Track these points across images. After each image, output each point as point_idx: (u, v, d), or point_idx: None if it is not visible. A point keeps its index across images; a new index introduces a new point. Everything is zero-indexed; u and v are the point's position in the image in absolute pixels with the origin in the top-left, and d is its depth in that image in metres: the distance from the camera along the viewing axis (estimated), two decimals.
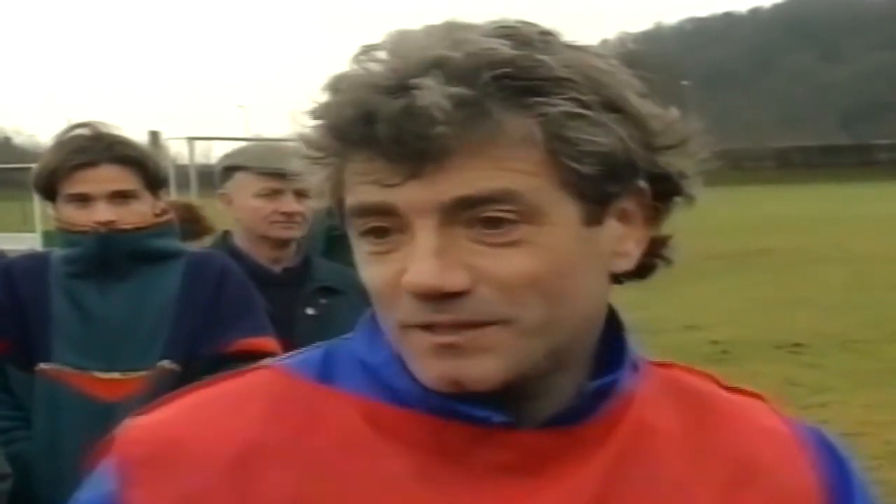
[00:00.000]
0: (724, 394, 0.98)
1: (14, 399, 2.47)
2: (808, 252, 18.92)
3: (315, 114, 0.84)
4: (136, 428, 0.89)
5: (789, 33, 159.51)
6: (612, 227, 0.86)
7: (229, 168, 3.00)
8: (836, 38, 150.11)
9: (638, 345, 0.92)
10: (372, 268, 0.84)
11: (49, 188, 2.51)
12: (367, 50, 0.84)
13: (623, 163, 0.83)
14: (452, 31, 0.82)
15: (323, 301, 2.96)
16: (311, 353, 0.94)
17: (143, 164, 2.50)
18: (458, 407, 0.84)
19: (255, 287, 2.65)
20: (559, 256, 0.82)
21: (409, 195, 0.80)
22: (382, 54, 0.83)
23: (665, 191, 0.88)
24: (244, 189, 2.94)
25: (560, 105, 0.80)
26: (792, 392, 8.05)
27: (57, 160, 2.47)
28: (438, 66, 0.79)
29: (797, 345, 10.29)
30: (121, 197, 2.47)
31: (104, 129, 2.51)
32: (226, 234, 3.12)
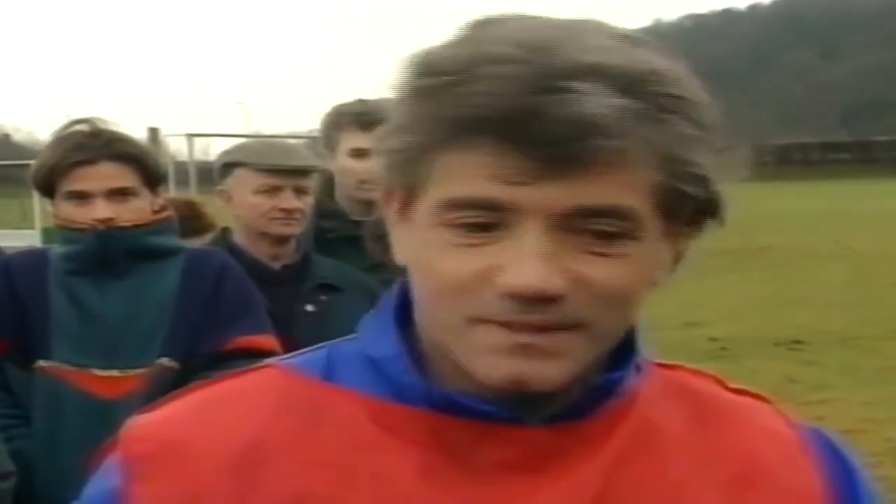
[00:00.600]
0: (729, 395, 0.98)
1: (13, 397, 2.47)
2: (807, 249, 18.92)
3: (448, 92, 0.79)
4: (141, 425, 0.90)
5: (788, 30, 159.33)
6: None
7: (228, 164, 2.98)
8: (835, 36, 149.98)
9: (646, 344, 0.92)
10: (456, 258, 0.81)
11: (48, 185, 2.51)
12: (485, 25, 0.82)
13: (713, 188, 0.84)
14: (593, 33, 0.81)
15: (323, 298, 2.95)
16: (314, 352, 0.94)
17: (142, 161, 2.49)
18: (464, 402, 0.84)
19: (254, 284, 2.65)
20: (646, 271, 0.84)
21: (531, 195, 0.79)
22: (510, 41, 0.79)
23: (704, 211, 0.88)
24: (243, 185, 2.93)
25: (684, 125, 0.81)
26: (791, 389, 8.04)
27: (55, 157, 2.47)
28: (597, 72, 0.78)
29: (797, 342, 10.29)
30: (119, 194, 2.46)
31: (103, 126, 2.51)
32: (225, 231, 3.11)
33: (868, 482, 0.96)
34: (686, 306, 10.74)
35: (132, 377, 2.41)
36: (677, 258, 0.90)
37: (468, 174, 0.80)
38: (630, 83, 0.79)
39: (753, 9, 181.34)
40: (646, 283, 0.85)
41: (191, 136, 21.41)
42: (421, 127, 0.81)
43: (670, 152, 0.81)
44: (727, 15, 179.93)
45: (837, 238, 20.84)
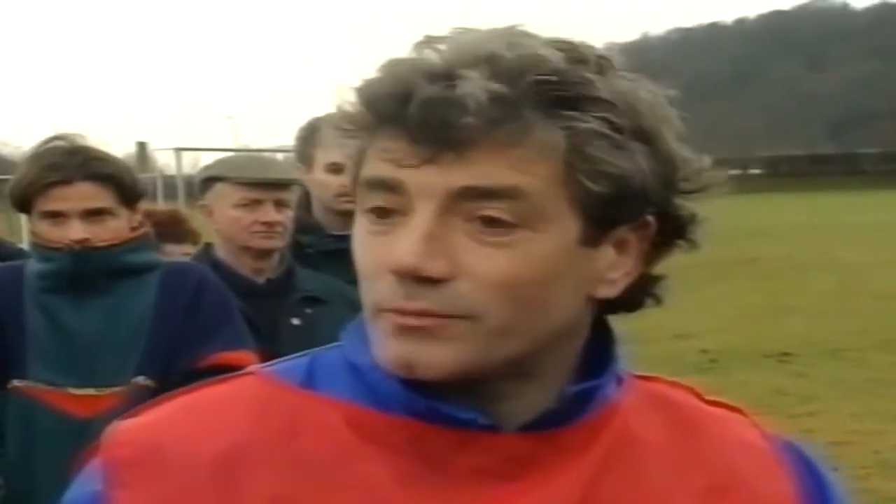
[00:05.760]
0: (705, 407, 0.99)
1: None
2: (795, 261, 18.96)
3: (357, 88, 0.86)
4: (122, 431, 0.91)
5: (775, 43, 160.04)
6: (606, 252, 0.87)
7: (209, 179, 2.98)
8: (821, 48, 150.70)
9: (626, 357, 0.92)
10: (366, 247, 0.86)
11: (24, 203, 2.48)
12: (429, 41, 0.86)
13: (635, 193, 0.84)
14: (513, 34, 0.85)
15: (308, 311, 2.94)
16: (295, 360, 0.95)
17: (119, 181, 2.46)
18: (441, 408, 0.85)
19: (234, 298, 2.63)
20: (543, 267, 0.83)
21: (421, 177, 0.82)
22: (441, 45, 0.85)
23: (671, 231, 0.90)
24: (224, 199, 2.92)
25: (590, 122, 0.82)
26: (780, 401, 8.06)
27: (31, 176, 2.44)
28: (487, 62, 0.82)
29: (785, 354, 10.30)
30: (96, 214, 2.43)
31: (81, 143, 2.47)
32: (208, 247, 3.10)
33: (841, 495, 0.98)
34: (675, 318, 10.74)
35: (108, 396, 2.38)
36: (645, 280, 0.91)
37: (375, 157, 0.85)
38: (517, 74, 0.81)
39: (740, 22, 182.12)
40: (550, 281, 0.84)
41: (179, 150, 21.41)
42: (354, 119, 0.87)
43: (569, 145, 0.82)
44: (713, 28, 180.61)
45: (825, 249, 20.89)
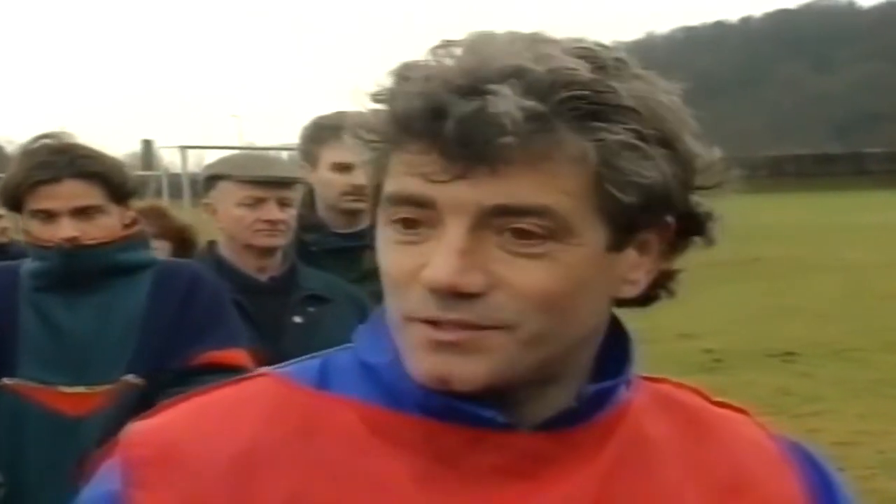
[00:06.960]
0: (712, 407, 1.00)
1: None
2: (801, 261, 18.93)
3: (378, 97, 0.86)
4: (139, 431, 0.91)
5: (780, 42, 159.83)
6: (629, 255, 0.88)
7: (212, 177, 2.98)
8: (827, 48, 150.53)
9: (639, 357, 0.93)
10: (394, 256, 0.86)
11: (14, 202, 2.47)
12: (446, 45, 0.85)
13: (660, 198, 0.85)
14: (535, 43, 0.84)
15: (311, 309, 2.93)
16: (308, 361, 0.95)
17: (108, 178, 2.45)
18: (460, 406, 0.85)
19: (229, 296, 2.62)
20: (575, 276, 0.84)
21: (453, 193, 0.82)
22: (459, 52, 0.84)
23: (688, 229, 0.91)
24: (227, 198, 2.92)
25: (619, 134, 0.82)
26: (785, 401, 8.06)
27: (20, 175, 2.43)
28: (517, 76, 0.81)
29: (790, 354, 10.30)
30: (85, 212, 2.42)
31: (69, 141, 2.46)
32: (211, 245, 3.09)
33: (846, 492, 0.99)
34: (680, 318, 10.73)
35: (99, 394, 2.37)
36: (661, 276, 0.91)
37: (401, 171, 0.85)
38: (549, 89, 0.81)
39: (745, 21, 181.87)
40: (582, 290, 0.85)
41: (184, 148, 21.49)
42: (378, 129, 0.86)
43: (600, 158, 0.82)
44: (719, 27, 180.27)
45: (831, 249, 20.85)
